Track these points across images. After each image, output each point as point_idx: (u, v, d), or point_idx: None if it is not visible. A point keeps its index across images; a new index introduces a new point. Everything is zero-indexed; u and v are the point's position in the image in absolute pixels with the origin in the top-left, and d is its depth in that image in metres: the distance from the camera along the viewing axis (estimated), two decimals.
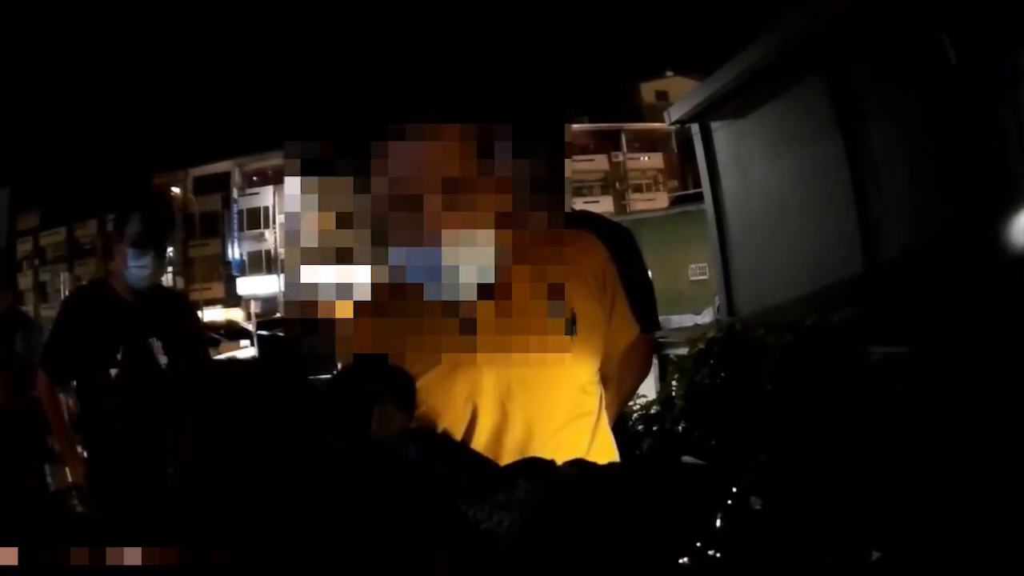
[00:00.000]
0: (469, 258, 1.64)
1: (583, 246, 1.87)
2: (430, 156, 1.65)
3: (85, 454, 4.09)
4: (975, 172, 5.32)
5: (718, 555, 1.43)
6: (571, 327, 1.77)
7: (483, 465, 1.65)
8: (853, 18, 6.12)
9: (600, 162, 54.03)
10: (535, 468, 1.64)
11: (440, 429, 1.77)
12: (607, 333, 1.91)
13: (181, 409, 3.74)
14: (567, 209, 1.72)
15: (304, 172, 1.69)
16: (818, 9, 6.50)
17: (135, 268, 3.92)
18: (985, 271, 4.90)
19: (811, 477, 3.56)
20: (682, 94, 11.91)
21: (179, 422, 3.67)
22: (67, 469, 4.38)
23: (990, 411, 3.28)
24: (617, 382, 2.06)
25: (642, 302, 2.09)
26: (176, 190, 57.23)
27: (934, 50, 5.16)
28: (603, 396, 1.94)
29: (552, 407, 1.79)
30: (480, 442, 1.76)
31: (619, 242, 2.02)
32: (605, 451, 1.88)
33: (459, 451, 1.70)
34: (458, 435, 1.77)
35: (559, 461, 1.60)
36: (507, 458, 1.69)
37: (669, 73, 55.40)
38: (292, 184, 1.69)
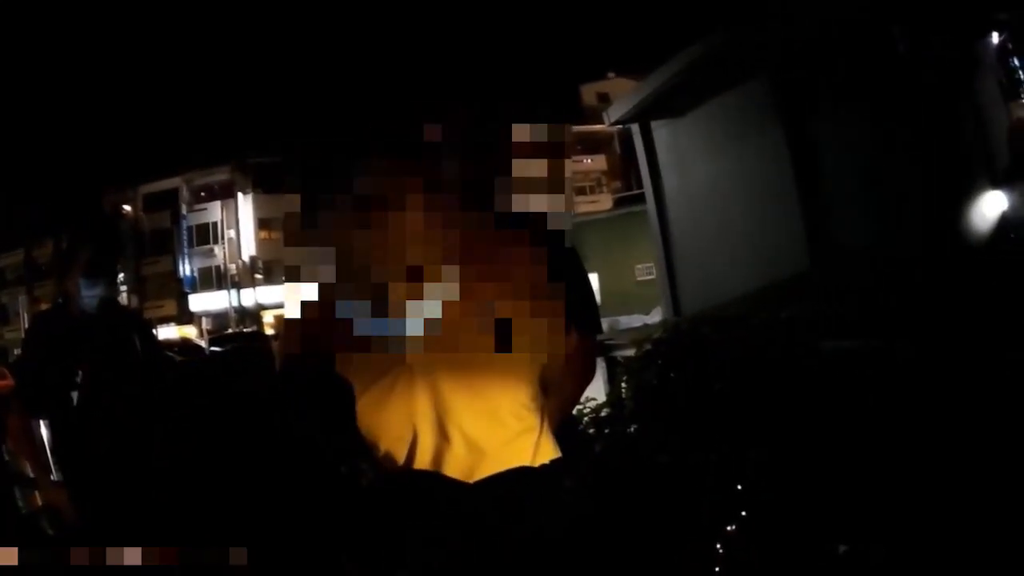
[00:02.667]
0: (401, 272, 1.63)
1: (516, 254, 1.79)
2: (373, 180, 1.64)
3: (58, 478, 4.12)
4: (922, 163, 5.36)
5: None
6: (506, 341, 1.71)
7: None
8: (797, 13, 6.13)
9: None
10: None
11: (382, 450, 1.74)
12: (544, 342, 1.80)
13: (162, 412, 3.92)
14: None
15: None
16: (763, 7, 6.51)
17: (87, 297, 4.04)
18: (933, 261, 4.92)
19: (768, 473, 3.54)
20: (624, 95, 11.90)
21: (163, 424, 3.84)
22: (37, 493, 4.43)
23: (946, 401, 3.29)
24: (560, 389, 2.00)
25: (581, 308, 2.05)
26: (127, 208, 56.60)
27: (882, 42, 5.18)
28: (545, 407, 1.87)
29: (493, 424, 1.73)
30: (423, 461, 1.72)
31: (553, 248, 1.94)
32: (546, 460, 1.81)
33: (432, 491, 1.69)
34: (400, 455, 1.72)
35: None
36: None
37: (611, 75, 55.87)
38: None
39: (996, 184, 5.72)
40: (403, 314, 1.62)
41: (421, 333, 1.65)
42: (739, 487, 3.51)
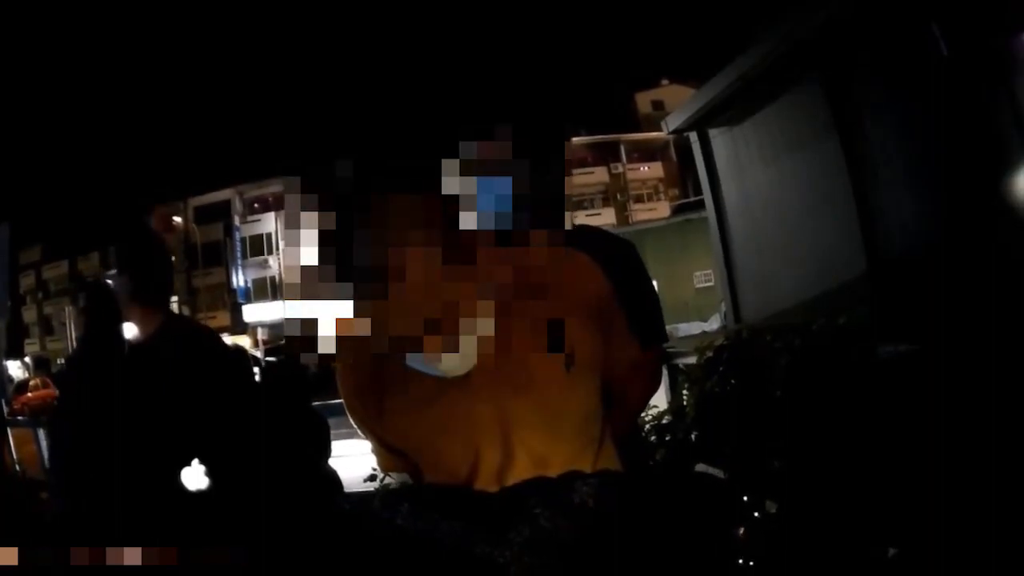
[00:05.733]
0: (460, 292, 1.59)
1: (578, 270, 1.80)
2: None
3: None
4: (974, 166, 5.32)
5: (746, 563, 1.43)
6: (570, 360, 1.71)
7: (486, 505, 1.65)
8: (845, 18, 6.13)
9: (600, 174, 53.99)
10: (545, 490, 1.65)
11: (441, 477, 1.73)
12: (609, 355, 1.83)
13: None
14: (568, 226, 1.66)
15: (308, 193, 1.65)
16: (810, 12, 6.52)
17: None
18: (987, 265, 4.89)
19: (827, 481, 3.55)
20: (678, 102, 11.93)
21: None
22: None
23: (996, 407, 3.28)
24: (624, 400, 1.98)
25: (644, 318, 2.01)
26: (177, 219, 57.41)
27: (926, 43, 5.16)
28: (609, 418, 1.86)
29: (557, 440, 1.72)
30: (484, 483, 1.69)
31: (616, 259, 1.96)
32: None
33: (460, 499, 1.67)
34: (461, 479, 1.71)
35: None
36: None
37: (664, 82, 55.52)
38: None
39: None
40: (451, 349, 1.59)
41: (470, 368, 1.63)
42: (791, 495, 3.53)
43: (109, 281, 3.82)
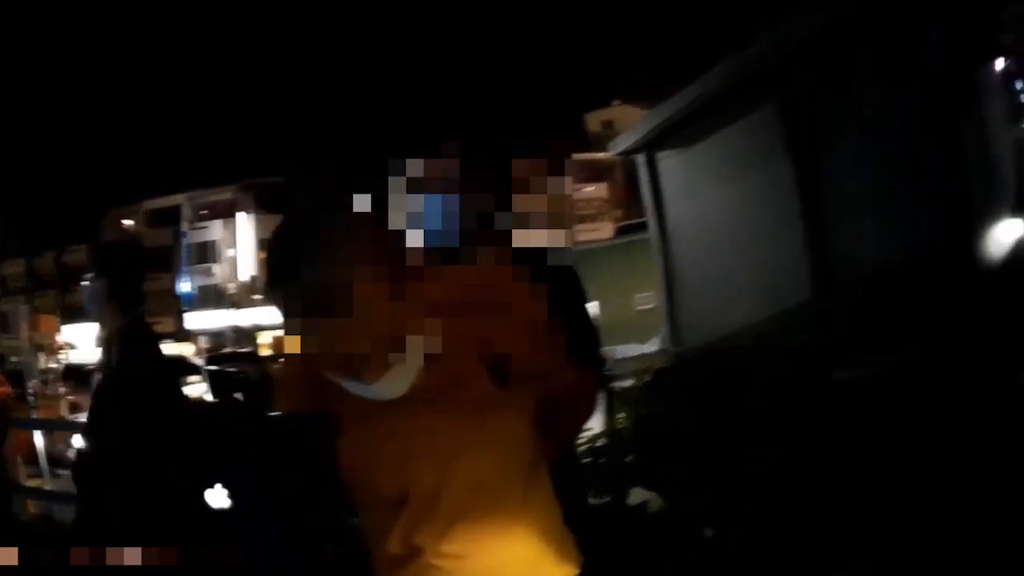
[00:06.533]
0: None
1: (514, 291, 1.75)
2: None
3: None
4: (926, 190, 5.37)
5: None
6: (503, 380, 1.68)
7: None
8: (801, 41, 6.17)
9: None
10: None
11: (372, 497, 1.70)
12: (543, 378, 1.78)
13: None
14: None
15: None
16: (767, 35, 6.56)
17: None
18: (938, 288, 4.91)
19: (781, 499, 3.54)
20: (629, 123, 11.99)
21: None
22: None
23: (947, 428, 3.31)
24: (559, 424, 1.92)
25: (580, 342, 2.00)
26: (129, 223, 56.89)
27: (881, 68, 5.21)
28: (543, 442, 1.80)
29: (490, 465, 1.68)
30: (415, 504, 1.66)
31: (554, 282, 1.89)
32: (541, 499, 1.78)
33: None
34: (392, 499, 1.66)
35: (497, 517, 1.62)
36: (442, 520, 1.64)
37: (616, 102, 56.19)
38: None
39: (1011, 211, 5.74)
40: (386, 373, 1.61)
41: (400, 394, 1.63)
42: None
43: (86, 283, 4.02)
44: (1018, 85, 7.07)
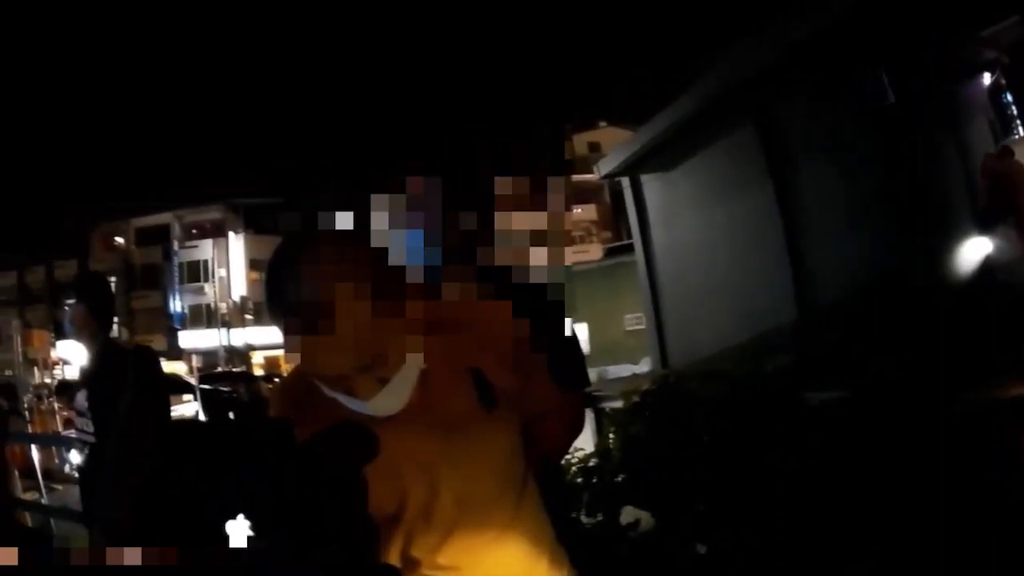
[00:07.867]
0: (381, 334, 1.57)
1: (497, 312, 1.81)
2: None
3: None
4: (906, 215, 5.44)
5: None
6: (490, 401, 1.72)
7: None
8: (782, 64, 6.25)
9: None
10: None
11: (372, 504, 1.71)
12: (528, 396, 1.82)
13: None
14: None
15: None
16: (747, 57, 6.63)
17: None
18: (916, 314, 4.97)
19: (750, 523, 3.55)
20: (615, 144, 12.04)
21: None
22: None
23: (921, 453, 3.32)
24: (544, 441, 1.97)
25: (564, 363, 2.01)
26: (120, 240, 56.42)
27: (869, 90, 5.27)
28: (530, 461, 1.85)
29: (479, 478, 1.72)
30: (410, 518, 1.70)
31: (538, 300, 1.96)
32: (532, 513, 1.82)
33: None
34: (388, 513, 1.69)
35: (489, 530, 1.64)
36: (435, 533, 1.68)
37: (602, 124, 56.13)
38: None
39: (980, 229, 5.84)
40: (382, 390, 1.60)
41: (395, 411, 1.63)
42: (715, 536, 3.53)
43: (67, 307, 4.51)
44: (1005, 99, 7.18)
